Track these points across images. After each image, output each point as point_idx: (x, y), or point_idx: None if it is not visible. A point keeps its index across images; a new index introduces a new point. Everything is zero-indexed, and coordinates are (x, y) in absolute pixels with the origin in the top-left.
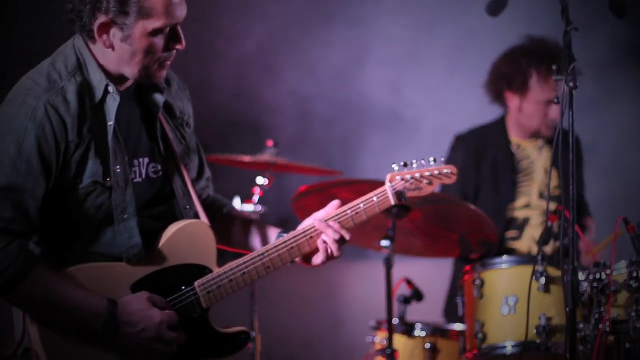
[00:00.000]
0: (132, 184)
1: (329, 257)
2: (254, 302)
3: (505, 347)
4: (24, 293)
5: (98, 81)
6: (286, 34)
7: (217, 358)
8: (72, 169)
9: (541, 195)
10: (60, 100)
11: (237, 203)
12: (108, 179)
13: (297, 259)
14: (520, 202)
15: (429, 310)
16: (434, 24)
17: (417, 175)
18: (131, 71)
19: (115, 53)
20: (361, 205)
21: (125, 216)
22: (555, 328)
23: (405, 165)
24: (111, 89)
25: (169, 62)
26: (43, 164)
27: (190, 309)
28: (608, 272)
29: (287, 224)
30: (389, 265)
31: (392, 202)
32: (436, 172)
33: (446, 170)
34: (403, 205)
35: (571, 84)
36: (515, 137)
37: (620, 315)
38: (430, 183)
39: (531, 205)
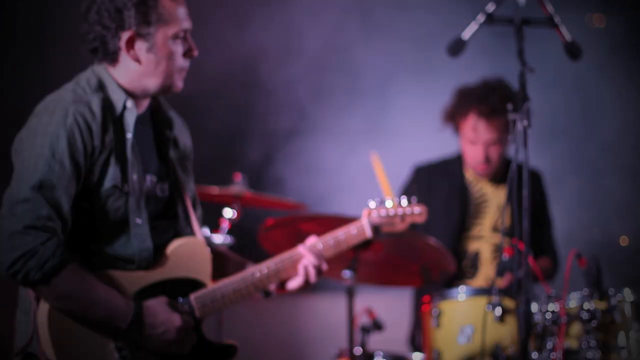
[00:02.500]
0: (145, 194)
1: (306, 282)
2: (221, 331)
3: None
4: (59, 286)
5: (118, 98)
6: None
7: None
8: (96, 173)
9: (494, 229)
10: (87, 110)
11: (206, 234)
12: (125, 185)
13: (273, 287)
14: (471, 233)
15: (393, 340)
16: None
17: (392, 212)
18: (155, 82)
19: (142, 66)
20: (341, 236)
21: (139, 221)
22: (509, 357)
23: (381, 202)
24: (129, 104)
25: (184, 72)
26: (74, 166)
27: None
28: (560, 303)
29: (255, 255)
30: (350, 294)
31: (369, 234)
32: (408, 211)
33: (417, 209)
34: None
35: (525, 122)
36: (470, 172)
37: (572, 345)
38: (402, 220)
39: (483, 237)
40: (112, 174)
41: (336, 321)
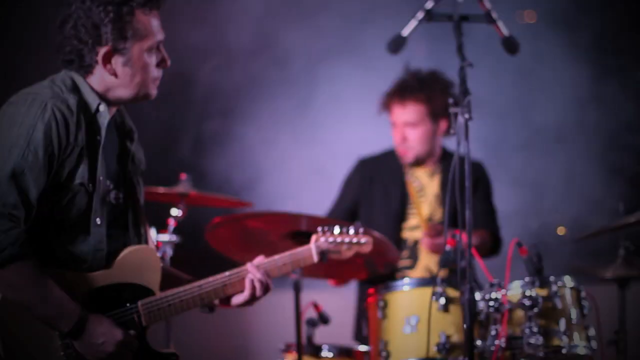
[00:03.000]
0: (106, 198)
1: (252, 298)
2: (170, 328)
3: None
4: (13, 276)
5: (92, 100)
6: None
7: None
8: (67, 168)
9: (430, 219)
10: (64, 106)
11: (152, 233)
12: (91, 185)
13: (217, 302)
14: (409, 224)
15: (340, 333)
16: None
17: (339, 240)
18: (129, 92)
19: (118, 79)
20: (288, 258)
21: (99, 222)
22: (454, 345)
23: (329, 229)
24: (102, 107)
25: (158, 81)
26: (47, 158)
27: (131, 324)
28: (503, 292)
29: (202, 253)
30: (297, 289)
31: (315, 259)
32: (354, 240)
33: (363, 240)
34: (309, 233)
35: (467, 116)
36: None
37: (515, 332)
38: (349, 249)
39: (420, 227)
40: (81, 172)
41: (283, 316)
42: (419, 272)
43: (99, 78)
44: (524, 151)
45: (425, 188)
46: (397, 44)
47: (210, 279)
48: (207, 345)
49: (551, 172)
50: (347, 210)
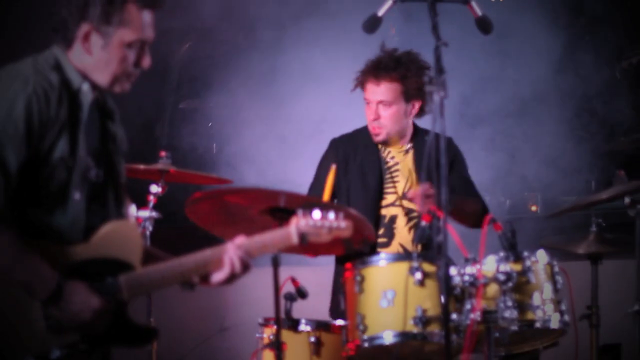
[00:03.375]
0: (87, 174)
1: (231, 275)
2: (151, 303)
3: (384, 337)
4: None
5: (74, 78)
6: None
7: (128, 346)
8: (47, 142)
9: (404, 196)
10: (46, 83)
11: (132, 210)
12: (71, 159)
13: (197, 280)
14: (386, 201)
15: (317, 308)
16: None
17: (319, 224)
18: (102, 79)
19: (92, 59)
20: (268, 239)
21: (77, 197)
22: (430, 319)
23: (310, 211)
24: (85, 86)
25: (133, 78)
26: (28, 130)
27: (111, 298)
28: (477, 266)
29: (181, 230)
30: (275, 264)
31: (295, 241)
32: (335, 225)
33: (343, 224)
34: (287, 209)
35: (442, 94)
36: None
37: (489, 306)
38: (328, 233)
39: (396, 204)
40: (62, 147)
41: (262, 291)
42: (393, 248)
43: (78, 55)
44: (497, 121)
45: (399, 164)
46: (372, 24)
47: (191, 255)
48: (187, 320)
49: (524, 142)
50: (324, 190)
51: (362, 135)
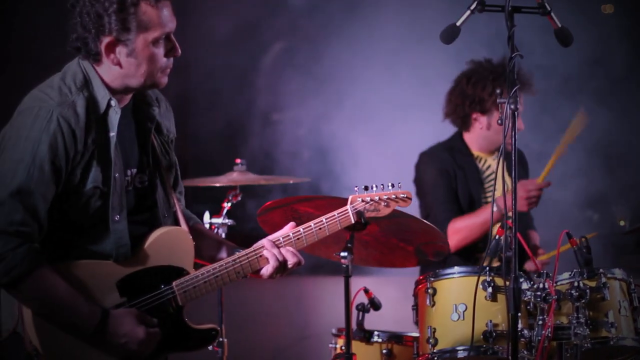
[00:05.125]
0: (125, 191)
1: (279, 267)
2: (222, 310)
3: (455, 351)
4: (25, 291)
5: (102, 96)
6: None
7: (188, 350)
8: (77, 175)
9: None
10: (71, 114)
11: (206, 217)
12: (105, 186)
13: (248, 274)
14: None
15: (390, 320)
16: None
17: (376, 198)
18: (137, 82)
19: (123, 69)
20: (324, 222)
21: (117, 218)
22: (500, 334)
23: (366, 188)
24: (113, 102)
25: (169, 69)
26: (54, 171)
27: (167, 305)
28: (550, 282)
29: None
30: (347, 275)
31: (352, 220)
32: (393, 196)
33: (402, 194)
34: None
35: (512, 106)
36: (474, 150)
37: (563, 322)
38: (387, 205)
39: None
40: (94, 176)
41: (335, 302)
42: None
43: (107, 68)
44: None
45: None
46: (450, 34)
47: (243, 252)
48: (261, 331)
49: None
50: (454, 190)
51: (454, 146)
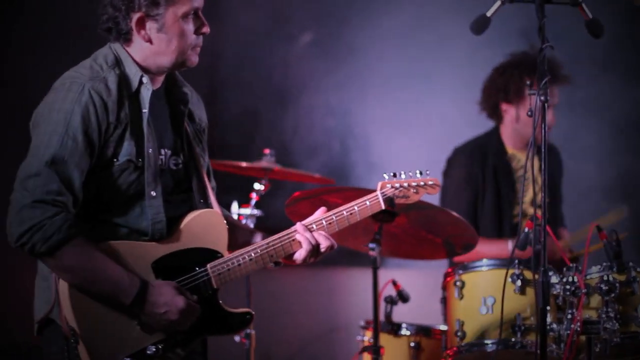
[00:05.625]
0: (159, 168)
1: (312, 251)
2: (250, 302)
3: (483, 344)
4: (64, 260)
5: (134, 74)
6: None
7: (223, 333)
8: (111, 148)
9: (531, 203)
10: (102, 87)
11: (234, 207)
12: (140, 159)
13: (281, 259)
14: (518, 209)
15: (419, 312)
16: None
17: (405, 184)
18: (168, 59)
19: (154, 45)
20: (355, 207)
21: (154, 194)
22: (529, 327)
23: (395, 175)
24: (145, 79)
25: (199, 48)
26: (87, 141)
27: (202, 287)
28: (580, 276)
29: (283, 227)
30: (375, 266)
31: (382, 206)
32: (422, 183)
33: (431, 181)
34: (389, 211)
35: (542, 98)
36: (509, 148)
37: (592, 317)
38: (416, 192)
39: (528, 211)
40: (127, 149)
41: (363, 294)
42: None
43: (138, 47)
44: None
45: (528, 171)
46: (481, 25)
47: (276, 235)
48: (289, 322)
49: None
50: (472, 200)
51: (489, 142)
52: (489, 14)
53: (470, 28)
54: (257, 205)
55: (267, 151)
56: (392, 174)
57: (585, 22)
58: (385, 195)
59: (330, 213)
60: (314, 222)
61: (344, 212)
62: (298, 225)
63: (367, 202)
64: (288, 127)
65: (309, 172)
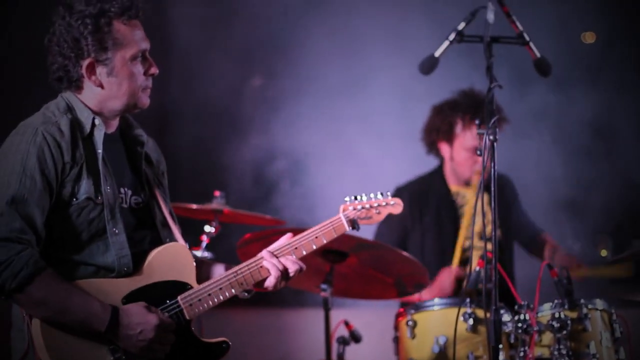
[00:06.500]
0: (119, 206)
1: (281, 276)
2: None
3: None
4: (34, 294)
5: (86, 117)
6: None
7: None
8: (68, 187)
9: (481, 237)
10: (55, 129)
11: None
12: (99, 197)
13: (252, 287)
14: (466, 243)
15: (371, 352)
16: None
17: (367, 205)
18: (120, 102)
19: (105, 90)
20: (319, 231)
21: (117, 231)
22: None
23: (356, 198)
24: (97, 121)
25: (149, 89)
26: (45, 181)
27: (175, 319)
28: (532, 313)
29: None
30: (327, 307)
31: (347, 228)
32: (383, 203)
33: (392, 201)
34: (340, 251)
35: (491, 137)
36: (453, 185)
37: (544, 354)
38: (378, 212)
39: (474, 247)
40: (85, 187)
41: (316, 334)
42: None
43: (89, 93)
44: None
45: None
46: (429, 65)
47: (244, 264)
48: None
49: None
50: (397, 241)
51: (431, 181)
52: (437, 54)
53: (418, 68)
54: (207, 248)
55: (217, 193)
56: (353, 197)
57: (534, 61)
58: (347, 217)
59: (296, 238)
60: (280, 248)
61: (310, 237)
62: (264, 252)
63: (331, 225)
64: (238, 169)
65: (260, 213)
